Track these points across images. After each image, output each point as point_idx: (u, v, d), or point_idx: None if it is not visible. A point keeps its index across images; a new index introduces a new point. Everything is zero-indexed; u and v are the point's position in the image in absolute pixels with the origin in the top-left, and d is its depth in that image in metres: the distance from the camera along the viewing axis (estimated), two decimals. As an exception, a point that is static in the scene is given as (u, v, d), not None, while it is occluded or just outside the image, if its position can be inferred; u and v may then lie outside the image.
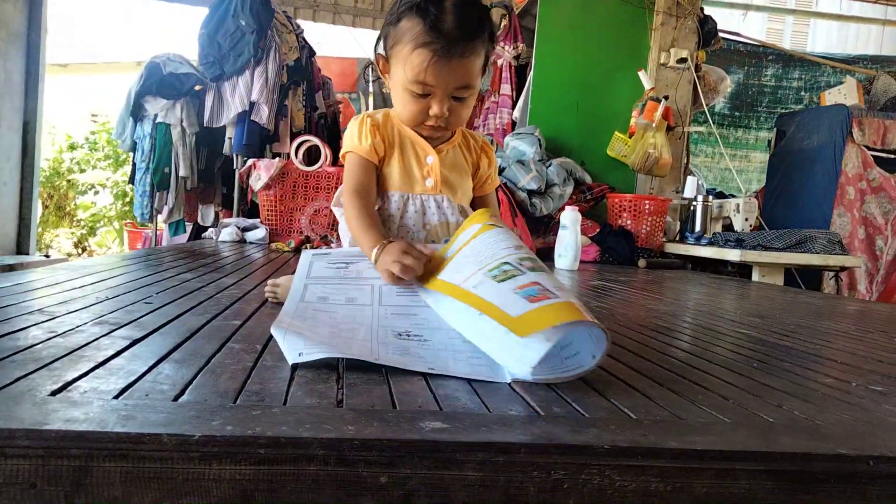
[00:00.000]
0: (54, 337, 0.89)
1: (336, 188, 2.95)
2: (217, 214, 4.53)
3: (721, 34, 4.53)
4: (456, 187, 1.30)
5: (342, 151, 1.30)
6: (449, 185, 1.29)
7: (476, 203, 1.36)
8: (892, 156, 4.24)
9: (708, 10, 4.43)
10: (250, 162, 3.75)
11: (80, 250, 7.98)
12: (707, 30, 4.27)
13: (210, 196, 4.54)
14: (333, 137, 5.09)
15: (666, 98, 3.94)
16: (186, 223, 4.42)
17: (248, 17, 3.88)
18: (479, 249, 0.99)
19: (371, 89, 6.73)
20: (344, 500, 0.55)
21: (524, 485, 0.57)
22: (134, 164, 4.27)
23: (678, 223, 4.09)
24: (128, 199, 7.31)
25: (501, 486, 0.56)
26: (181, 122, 4.07)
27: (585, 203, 3.85)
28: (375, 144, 1.25)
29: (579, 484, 0.57)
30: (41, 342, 0.86)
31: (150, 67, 4.09)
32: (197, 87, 4.12)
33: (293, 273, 1.15)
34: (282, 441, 0.55)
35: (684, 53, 4.15)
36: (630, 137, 3.98)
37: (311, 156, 3.80)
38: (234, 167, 4.08)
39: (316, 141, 3.82)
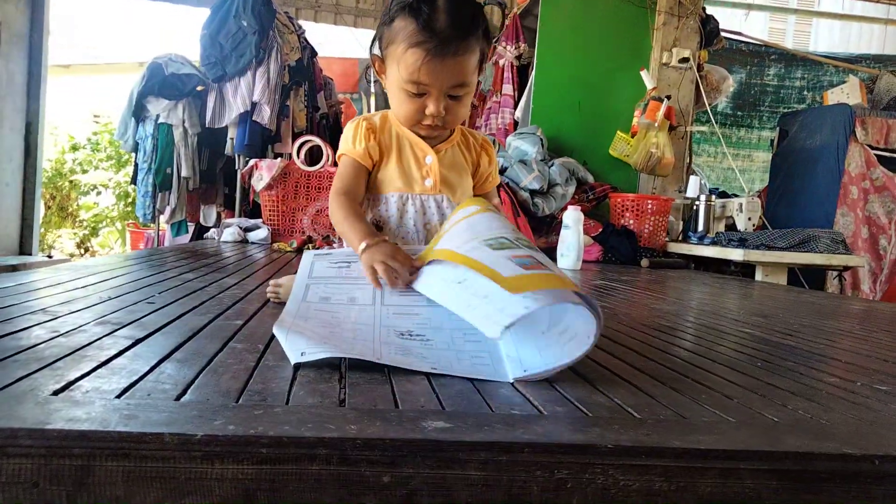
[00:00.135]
0: (57, 337, 0.89)
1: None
2: (219, 215, 4.54)
3: (723, 34, 4.53)
4: (455, 187, 1.30)
5: (338, 153, 1.31)
6: (448, 184, 1.28)
7: None
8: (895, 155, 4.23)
9: (710, 10, 4.42)
10: (252, 162, 3.75)
11: (82, 251, 7.99)
12: (709, 29, 4.27)
13: (212, 196, 4.55)
14: (335, 138, 5.06)
15: (668, 98, 3.94)
16: (188, 223, 4.43)
17: (250, 17, 3.88)
18: (476, 225, 1.00)
19: (373, 90, 6.73)
20: (346, 500, 0.54)
21: (527, 484, 0.56)
22: (136, 165, 4.28)
23: (681, 223, 4.08)
24: (130, 200, 7.32)
25: (504, 485, 0.56)
26: (183, 122, 4.08)
27: (588, 203, 3.84)
28: (369, 148, 1.26)
29: (583, 483, 0.57)
30: (43, 342, 0.86)
31: (152, 68, 4.09)
32: (199, 88, 4.13)
33: (295, 273, 1.15)
34: (284, 440, 0.55)
35: (686, 53, 4.14)
36: (632, 137, 3.98)
37: (313, 156, 3.81)
38: (236, 167, 4.08)
39: (318, 141, 3.82)
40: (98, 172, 7.94)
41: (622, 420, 0.67)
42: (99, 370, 0.74)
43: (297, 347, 0.83)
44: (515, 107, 4.50)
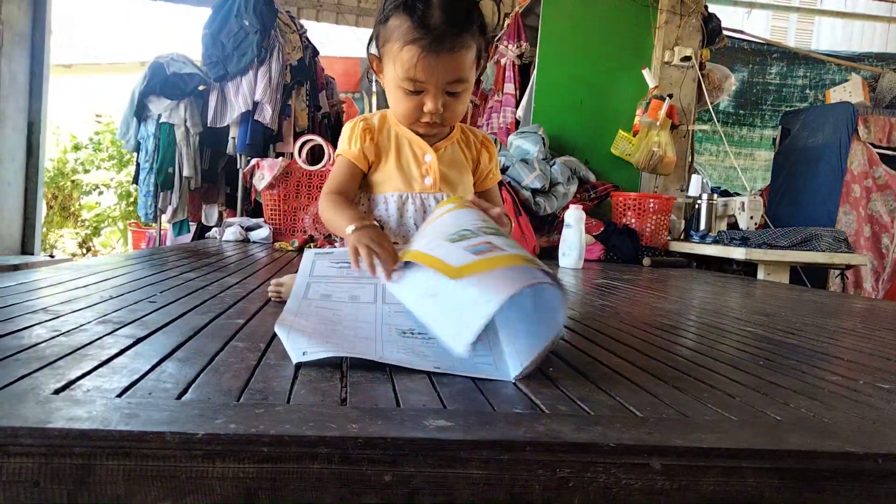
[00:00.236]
0: (58, 336, 0.89)
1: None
2: (221, 214, 4.54)
3: (725, 32, 4.51)
4: (456, 184, 1.30)
5: (335, 153, 1.31)
6: (448, 182, 1.28)
7: (479, 198, 1.35)
8: (898, 153, 4.22)
9: (712, 8, 4.41)
10: (254, 161, 3.76)
11: (84, 250, 8.00)
12: (711, 28, 4.26)
13: (214, 196, 4.55)
14: (337, 137, 5.03)
15: (670, 96, 3.93)
16: (190, 223, 4.43)
17: (252, 17, 3.88)
18: (446, 221, 1.00)
19: (374, 89, 6.73)
20: (348, 499, 0.54)
21: (529, 483, 0.56)
22: (138, 165, 4.28)
23: (683, 221, 4.08)
24: (132, 200, 7.32)
25: (506, 484, 0.56)
26: (185, 122, 4.08)
27: (590, 202, 3.84)
28: (364, 150, 1.26)
29: (585, 482, 0.57)
30: (45, 341, 0.86)
31: (153, 68, 4.10)
32: (200, 87, 4.13)
33: (296, 272, 1.15)
34: (285, 439, 0.55)
35: (688, 51, 4.14)
36: (634, 136, 3.97)
37: (315, 155, 3.81)
38: (238, 167, 4.08)
39: (319, 140, 3.82)
40: (100, 172, 7.94)
41: (624, 419, 0.67)
42: (100, 369, 0.74)
43: (298, 347, 0.83)
44: (517, 106, 4.49)
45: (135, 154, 4.37)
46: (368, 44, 1.25)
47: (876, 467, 0.60)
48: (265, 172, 3.64)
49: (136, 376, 0.72)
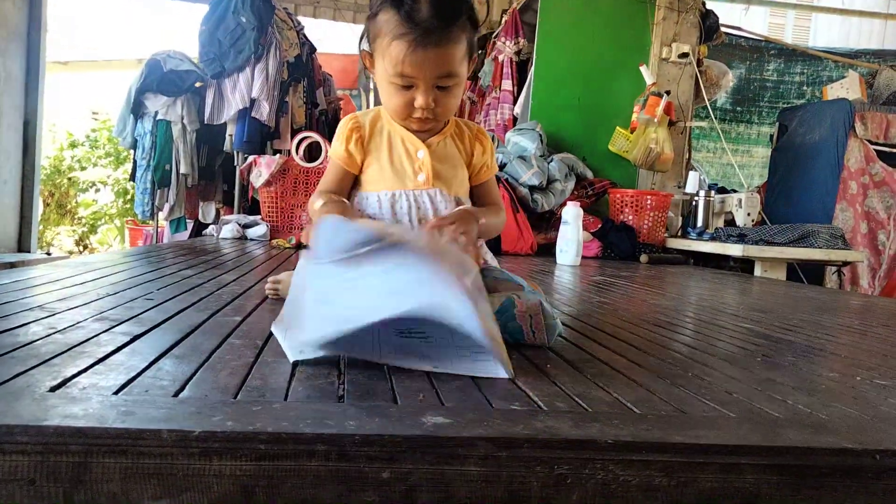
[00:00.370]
0: (54, 333, 0.89)
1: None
2: (218, 211, 4.53)
3: (723, 29, 4.52)
4: (450, 179, 1.28)
5: (329, 153, 1.32)
6: (441, 177, 1.27)
7: (475, 192, 1.34)
8: (895, 150, 4.22)
9: (709, 5, 4.41)
10: (251, 159, 3.75)
11: (81, 248, 7.99)
12: (709, 24, 4.26)
13: (211, 193, 4.54)
14: (334, 134, 5.08)
15: (668, 93, 3.93)
16: (187, 220, 4.42)
17: (249, 13, 3.87)
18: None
19: (372, 85, 6.72)
20: (345, 496, 0.54)
21: (527, 480, 0.56)
22: (135, 162, 4.27)
23: (680, 218, 4.08)
24: (129, 197, 7.30)
25: (504, 480, 0.56)
26: (182, 119, 4.07)
27: (587, 198, 3.84)
28: (350, 150, 1.26)
29: (583, 479, 0.56)
30: (41, 338, 0.85)
31: (150, 65, 4.08)
32: (197, 84, 4.12)
33: (294, 270, 1.14)
34: (283, 437, 0.55)
35: (686, 48, 4.14)
36: (632, 133, 3.97)
37: (312, 152, 3.80)
38: (235, 164, 4.08)
39: (317, 137, 3.81)
40: (97, 169, 7.93)
41: (622, 415, 0.67)
42: (96, 366, 0.74)
43: (296, 346, 0.83)
44: (514, 103, 4.49)
45: (132, 151, 4.36)
46: (360, 40, 1.24)
47: (873, 463, 0.60)
48: (262, 169, 3.64)
49: (132, 374, 0.71)
